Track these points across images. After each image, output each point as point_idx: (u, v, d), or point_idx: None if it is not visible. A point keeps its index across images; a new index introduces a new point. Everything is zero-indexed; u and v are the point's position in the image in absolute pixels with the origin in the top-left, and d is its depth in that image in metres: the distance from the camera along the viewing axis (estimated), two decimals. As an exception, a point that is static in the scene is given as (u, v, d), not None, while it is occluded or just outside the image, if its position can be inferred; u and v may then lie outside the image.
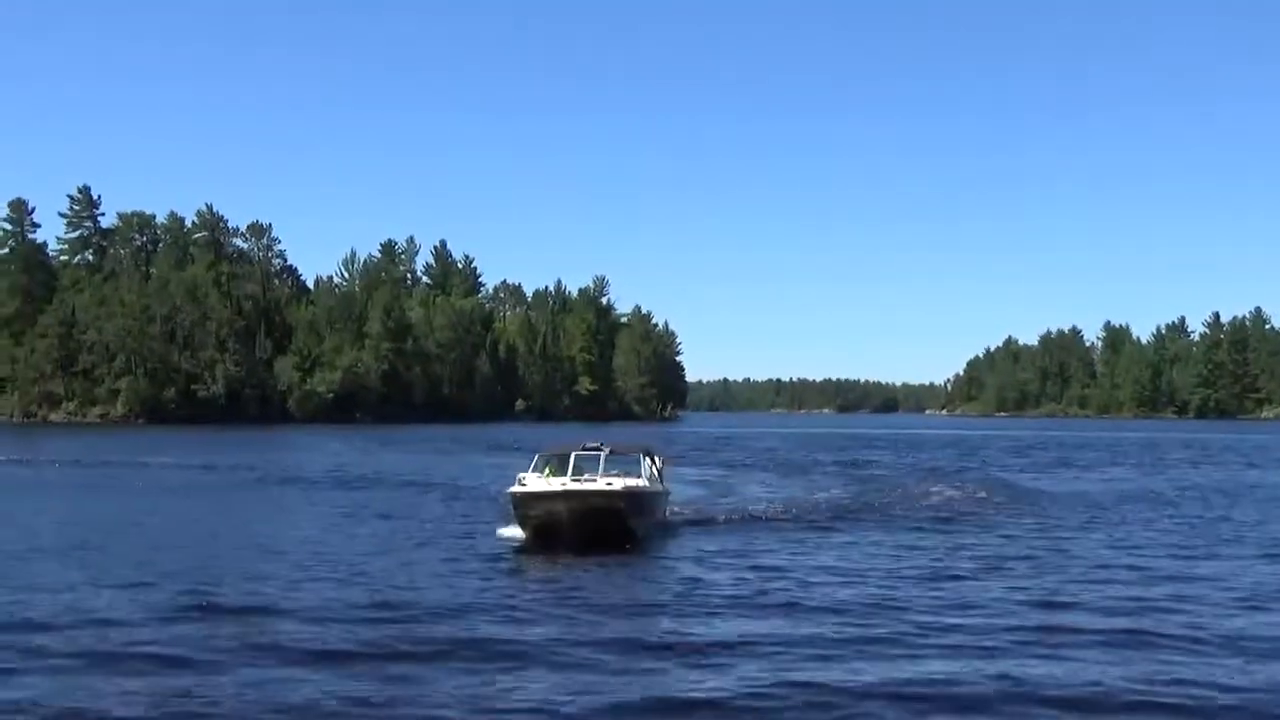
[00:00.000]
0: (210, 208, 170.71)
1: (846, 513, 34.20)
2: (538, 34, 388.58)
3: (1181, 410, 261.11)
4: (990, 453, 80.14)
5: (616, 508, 25.89)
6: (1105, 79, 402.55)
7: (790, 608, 18.78)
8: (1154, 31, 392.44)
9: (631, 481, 27.09)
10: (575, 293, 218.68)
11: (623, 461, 29.23)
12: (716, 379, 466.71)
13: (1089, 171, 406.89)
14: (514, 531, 26.97)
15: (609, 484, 26.40)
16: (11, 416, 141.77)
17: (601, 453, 28.63)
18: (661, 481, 30.10)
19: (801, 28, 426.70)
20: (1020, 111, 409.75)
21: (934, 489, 41.64)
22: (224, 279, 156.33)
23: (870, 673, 14.37)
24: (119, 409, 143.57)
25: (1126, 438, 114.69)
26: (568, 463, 28.10)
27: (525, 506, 26.16)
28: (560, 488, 26.04)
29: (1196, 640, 16.28)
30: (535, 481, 26.97)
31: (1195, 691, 13.64)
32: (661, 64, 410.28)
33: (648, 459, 29.67)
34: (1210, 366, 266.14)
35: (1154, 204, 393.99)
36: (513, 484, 27.32)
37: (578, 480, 26.67)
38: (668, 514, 30.64)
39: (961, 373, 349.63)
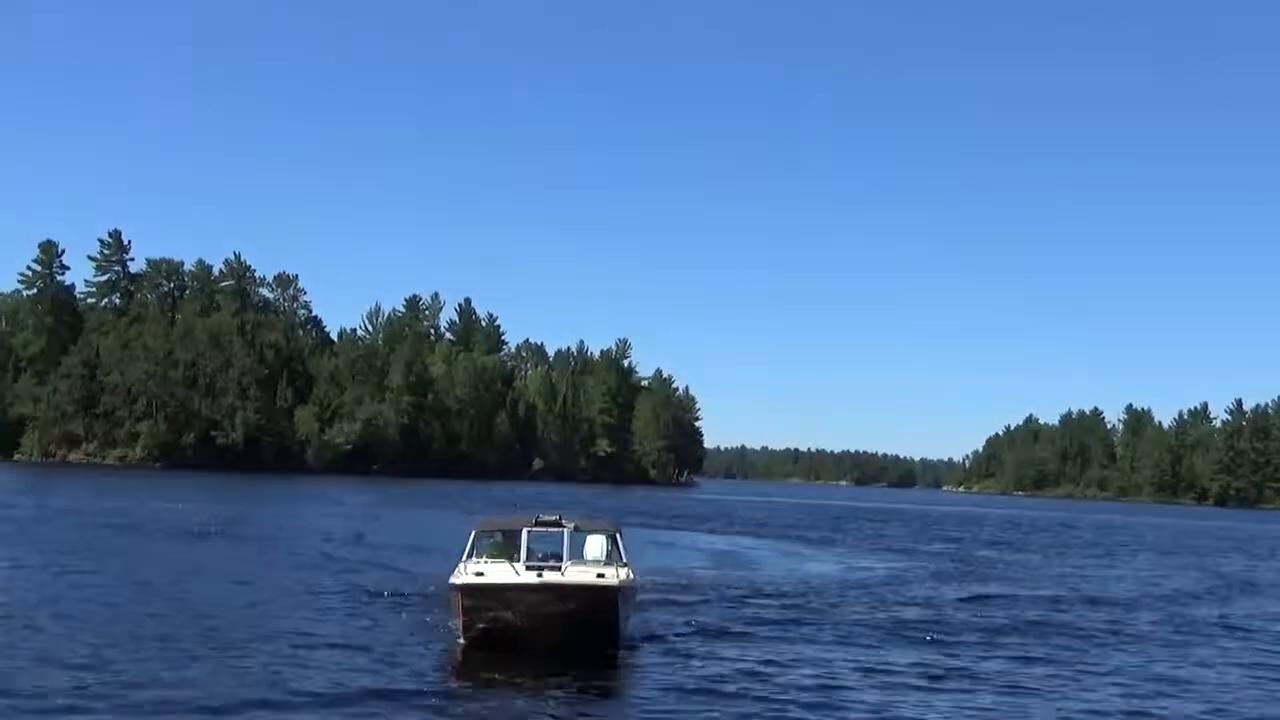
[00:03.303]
0: (238, 257, 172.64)
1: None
2: (567, 98, 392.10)
3: (1201, 497, 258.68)
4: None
5: (608, 612, 19.98)
6: (1133, 156, 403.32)
7: None
8: (1175, 111, 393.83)
9: (619, 573, 20.95)
10: (597, 354, 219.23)
11: (589, 541, 22.41)
12: (734, 446, 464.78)
13: (1115, 253, 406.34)
14: (455, 642, 20.89)
15: (600, 576, 20.39)
16: (31, 456, 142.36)
17: (564, 530, 21.98)
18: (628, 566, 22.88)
19: (823, 103, 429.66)
20: (1048, 190, 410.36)
21: None
22: (248, 327, 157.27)
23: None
24: (137, 452, 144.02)
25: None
26: (518, 541, 21.70)
27: (479, 604, 19.90)
28: (536, 579, 19.74)
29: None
30: (490, 569, 20.56)
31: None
32: (689, 132, 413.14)
33: (619, 540, 23.12)
34: (1231, 454, 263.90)
35: (1179, 288, 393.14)
36: (456, 572, 20.95)
37: (546, 568, 20.49)
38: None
39: (980, 449, 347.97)
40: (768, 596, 31.49)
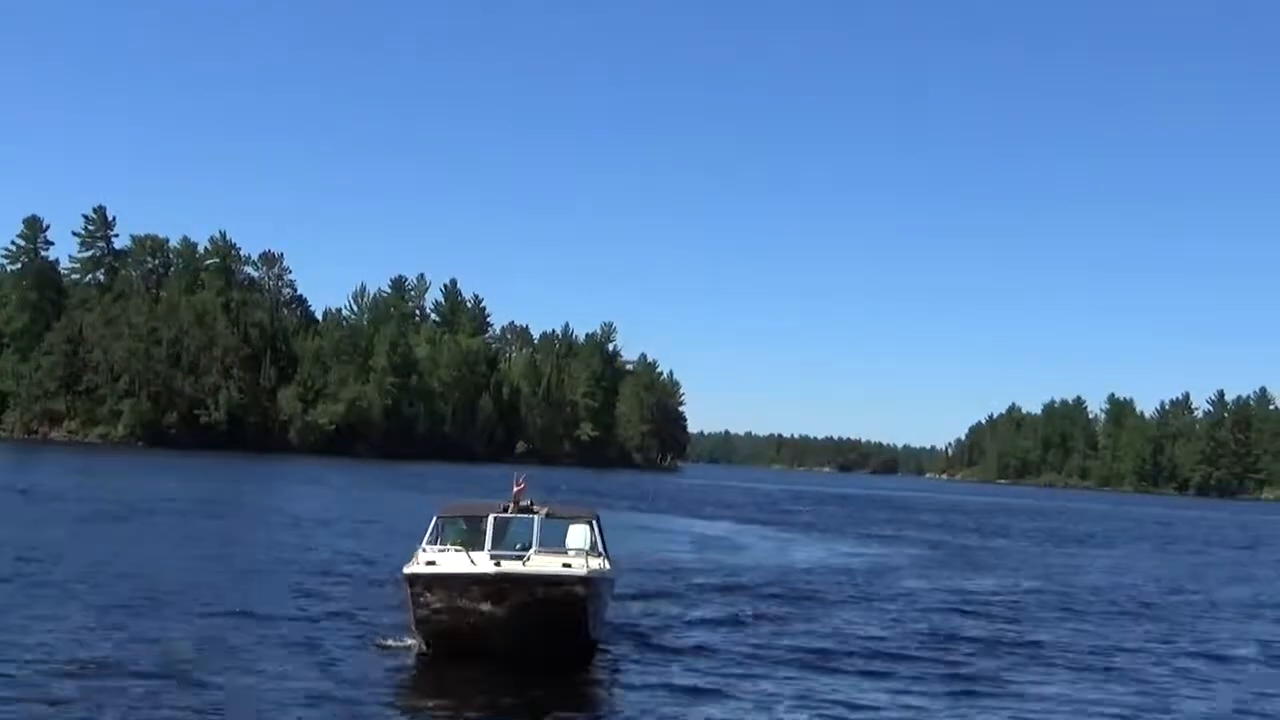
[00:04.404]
0: (223, 235, 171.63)
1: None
2: (553, 82, 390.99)
3: (1182, 487, 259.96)
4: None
5: (576, 605, 17.99)
6: (1110, 149, 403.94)
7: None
8: (1153, 111, 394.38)
9: (590, 562, 18.94)
10: (582, 338, 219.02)
11: (564, 529, 20.75)
12: (718, 431, 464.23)
13: (1100, 245, 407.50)
14: (407, 640, 19.16)
15: (567, 565, 18.50)
16: (12, 433, 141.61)
17: (535, 516, 20.14)
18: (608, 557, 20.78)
19: (808, 94, 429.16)
20: (1032, 186, 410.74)
21: None
22: (233, 306, 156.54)
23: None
24: (120, 430, 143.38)
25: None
26: (483, 528, 19.73)
27: (430, 598, 17.90)
28: (494, 569, 17.63)
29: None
30: (445, 557, 18.60)
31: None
32: (675, 118, 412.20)
33: (596, 527, 21.00)
34: (1213, 445, 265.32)
35: (1162, 280, 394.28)
36: (410, 561, 19.01)
37: (509, 557, 18.41)
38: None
39: (963, 437, 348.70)
40: (753, 585, 31.05)
